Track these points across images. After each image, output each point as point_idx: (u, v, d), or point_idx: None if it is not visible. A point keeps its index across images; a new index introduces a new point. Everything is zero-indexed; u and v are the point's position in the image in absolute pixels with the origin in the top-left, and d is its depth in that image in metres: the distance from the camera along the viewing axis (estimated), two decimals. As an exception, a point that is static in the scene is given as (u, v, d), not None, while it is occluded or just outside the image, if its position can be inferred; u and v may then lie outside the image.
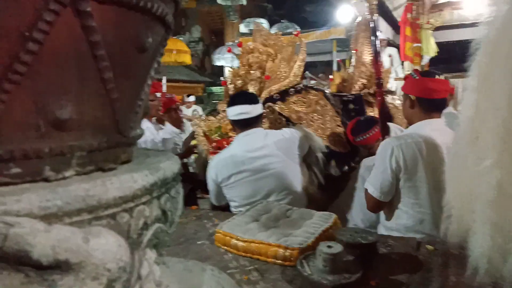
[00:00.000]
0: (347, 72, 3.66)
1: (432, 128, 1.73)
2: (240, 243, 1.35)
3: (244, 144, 2.03)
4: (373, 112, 3.10)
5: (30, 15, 0.41)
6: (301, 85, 2.85)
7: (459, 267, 1.21)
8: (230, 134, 2.64)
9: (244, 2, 9.70)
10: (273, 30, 6.90)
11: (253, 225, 1.44)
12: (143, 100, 0.57)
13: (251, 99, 2.14)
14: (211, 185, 2.12)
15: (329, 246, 1.13)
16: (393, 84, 5.05)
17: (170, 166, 0.56)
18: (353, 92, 3.31)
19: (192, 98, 7.75)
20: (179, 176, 0.60)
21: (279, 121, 2.55)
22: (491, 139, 0.90)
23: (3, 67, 0.41)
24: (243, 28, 10.74)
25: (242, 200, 2.01)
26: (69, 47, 0.44)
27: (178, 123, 3.28)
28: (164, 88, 6.96)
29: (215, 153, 2.53)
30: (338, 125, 2.84)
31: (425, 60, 5.78)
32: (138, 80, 0.56)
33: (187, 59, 7.47)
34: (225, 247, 1.39)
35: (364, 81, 3.38)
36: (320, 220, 1.48)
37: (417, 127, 1.78)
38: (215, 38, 13.37)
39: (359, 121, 2.53)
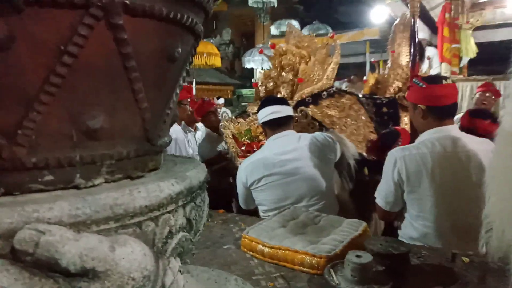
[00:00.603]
0: (382, 74, 3.57)
1: (441, 136, 1.65)
2: (266, 249, 1.34)
3: (275, 147, 2.00)
4: (407, 116, 2.99)
5: (66, 30, 0.43)
6: (334, 88, 2.79)
7: (498, 282, 1.14)
8: (261, 137, 2.62)
9: (275, 4, 9.71)
10: (305, 32, 6.84)
11: (280, 231, 1.43)
12: (171, 108, 0.58)
13: (281, 100, 2.14)
14: (240, 188, 2.11)
15: (358, 256, 1.10)
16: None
17: (197, 174, 0.56)
18: (387, 95, 3.21)
19: (221, 100, 7.83)
20: (205, 185, 0.60)
21: (312, 126, 2.48)
22: None
23: (40, 79, 0.43)
24: (273, 30, 10.76)
25: (272, 204, 1.98)
26: (102, 59, 0.46)
27: (216, 126, 3.28)
28: (194, 91, 7.09)
29: (245, 157, 2.52)
30: (371, 131, 2.76)
31: (464, 61, 5.52)
32: (167, 90, 0.57)
33: (217, 61, 7.56)
34: (251, 253, 1.38)
35: (400, 84, 3.27)
36: (349, 228, 1.44)
37: (426, 136, 1.70)
38: (246, 41, 13.47)
39: (382, 136, 2.47)
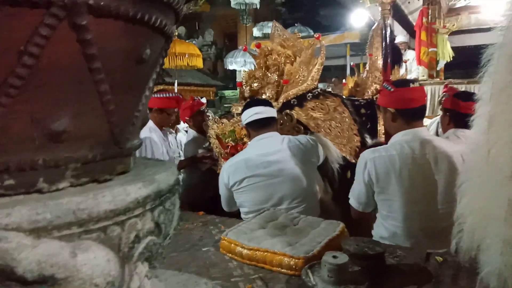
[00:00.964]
0: (361, 77, 3.63)
1: (410, 139, 1.70)
2: (245, 251, 1.34)
3: (259, 148, 1.98)
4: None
5: (26, 30, 0.41)
6: (318, 90, 2.75)
7: (469, 281, 1.17)
8: (245, 139, 2.57)
9: (258, 6, 9.76)
10: (286, 34, 6.86)
11: (259, 233, 1.43)
12: (140, 111, 0.57)
13: (265, 102, 2.13)
14: (222, 190, 2.08)
15: (334, 256, 1.12)
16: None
17: (166, 178, 0.56)
18: (366, 97, 3.27)
19: (204, 100, 7.77)
20: (176, 188, 0.59)
21: (297, 129, 2.43)
22: (504, 154, 0.88)
23: (-1, 81, 0.42)
24: (256, 32, 10.81)
25: (253, 205, 1.95)
26: (65, 60, 0.44)
27: (204, 126, 3.23)
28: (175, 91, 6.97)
29: (228, 159, 2.47)
30: (355, 134, 2.76)
31: (441, 65, 5.68)
32: (136, 92, 0.56)
33: (199, 63, 7.51)
34: (230, 255, 1.38)
35: (378, 86, 3.34)
36: (327, 229, 1.46)
37: (396, 138, 1.75)
38: (228, 42, 13.46)
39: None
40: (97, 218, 0.44)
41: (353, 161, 2.57)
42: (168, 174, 0.57)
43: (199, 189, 3.09)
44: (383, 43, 3.07)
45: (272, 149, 1.97)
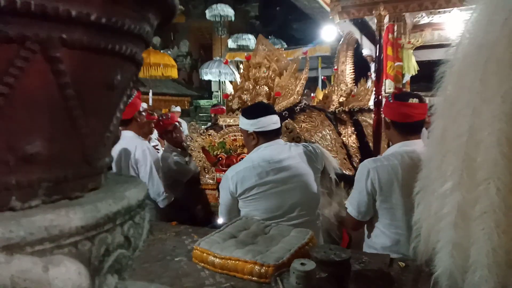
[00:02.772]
0: (330, 90, 3.76)
1: (409, 150, 1.77)
2: (217, 260, 1.37)
3: (267, 154, 1.95)
4: (345, 129, 3.16)
5: (2, 62, 0.45)
6: (302, 104, 2.80)
7: (428, 284, 1.25)
8: (239, 150, 2.54)
9: (233, 18, 9.89)
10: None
11: (231, 242, 1.47)
12: (112, 132, 0.61)
13: (274, 110, 2.10)
14: (225, 199, 2.01)
15: (302, 264, 1.16)
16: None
17: (135, 194, 0.59)
18: (331, 109, 3.38)
19: (178, 109, 7.72)
20: (145, 203, 0.63)
21: (298, 140, 2.42)
22: (453, 163, 0.96)
23: (-25, 108, 0.44)
24: (231, 44, 10.92)
25: (263, 213, 1.89)
26: (39, 89, 0.48)
27: (177, 142, 3.22)
28: (150, 102, 6.91)
29: (222, 170, 2.42)
30: (341, 147, 2.83)
31: (406, 78, 5.95)
32: (107, 115, 0.60)
33: (173, 73, 7.51)
34: (203, 264, 1.41)
35: (342, 98, 3.47)
36: (297, 237, 1.51)
37: (394, 148, 1.82)
38: (204, 53, 13.50)
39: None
40: (68, 234, 0.48)
41: (346, 172, 2.61)
42: (138, 190, 0.61)
43: (182, 205, 3.07)
44: (375, 57, 3.21)
45: (281, 155, 1.95)
